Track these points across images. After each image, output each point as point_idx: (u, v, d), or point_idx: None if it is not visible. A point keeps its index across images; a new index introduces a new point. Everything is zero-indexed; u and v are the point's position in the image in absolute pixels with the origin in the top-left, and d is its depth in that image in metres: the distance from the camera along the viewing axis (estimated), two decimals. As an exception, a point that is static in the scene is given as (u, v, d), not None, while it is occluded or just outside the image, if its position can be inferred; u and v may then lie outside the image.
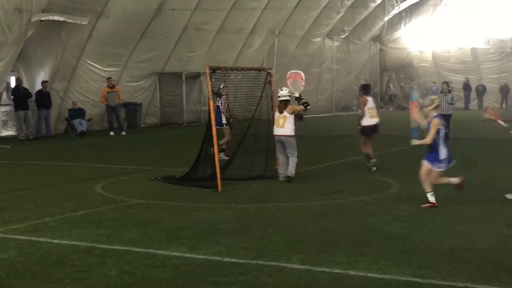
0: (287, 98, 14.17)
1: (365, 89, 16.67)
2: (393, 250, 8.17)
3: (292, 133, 14.11)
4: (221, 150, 16.39)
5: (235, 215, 10.58)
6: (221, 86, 15.83)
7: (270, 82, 14.81)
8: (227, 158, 15.66)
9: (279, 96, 14.21)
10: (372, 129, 16.08)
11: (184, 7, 29.55)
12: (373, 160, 15.81)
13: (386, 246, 8.36)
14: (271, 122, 14.55)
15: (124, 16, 27.35)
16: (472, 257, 7.80)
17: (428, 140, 10.83)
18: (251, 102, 15.07)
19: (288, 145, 14.04)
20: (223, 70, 14.52)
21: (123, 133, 27.96)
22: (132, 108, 30.44)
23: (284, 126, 13.99)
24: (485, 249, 8.22)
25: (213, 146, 13.17)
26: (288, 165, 14.07)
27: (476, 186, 13.02)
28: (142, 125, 31.13)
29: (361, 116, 15.96)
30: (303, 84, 15.24)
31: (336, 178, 14.65)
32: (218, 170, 12.94)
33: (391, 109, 48.16)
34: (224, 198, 12.16)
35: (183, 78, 32.56)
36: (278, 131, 14.11)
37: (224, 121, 17.49)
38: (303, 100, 14.49)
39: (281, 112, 14.08)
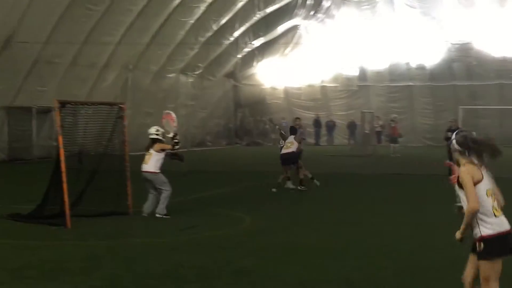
0: (154, 136, 14.32)
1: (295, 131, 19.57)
2: (245, 284, 8.19)
3: (154, 170, 14.07)
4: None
5: (84, 252, 10.25)
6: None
7: (122, 117, 14.66)
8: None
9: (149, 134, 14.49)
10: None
11: (34, 39, 28.69)
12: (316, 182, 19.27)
13: (237, 280, 8.37)
14: (123, 158, 14.42)
15: (-31, 48, 26.20)
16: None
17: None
18: (103, 137, 14.78)
19: (154, 182, 14.04)
20: (73, 104, 14.21)
21: (-33, 169, 26.60)
22: (-22, 143, 29.05)
23: (148, 162, 14.08)
24: (337, 280, 8.42)
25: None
26: (151, 201, 14.00)
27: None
28: (-11, 161, 29.74)
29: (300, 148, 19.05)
30: (175, 124, 15.20)
31: (190, 214, 14.58)
32: (67, 206, 12.53)
33: (243, 144, 48.95)
34: (73, 235, 11.78)
35: (33, 112, 31.49)
36: (142, 167, 14.17)
37: None
38: (175, 140, 14.60)
39: (147, 150, 14.29)
